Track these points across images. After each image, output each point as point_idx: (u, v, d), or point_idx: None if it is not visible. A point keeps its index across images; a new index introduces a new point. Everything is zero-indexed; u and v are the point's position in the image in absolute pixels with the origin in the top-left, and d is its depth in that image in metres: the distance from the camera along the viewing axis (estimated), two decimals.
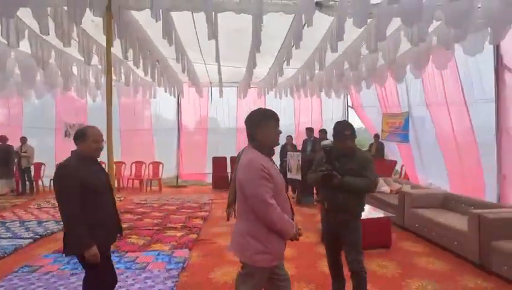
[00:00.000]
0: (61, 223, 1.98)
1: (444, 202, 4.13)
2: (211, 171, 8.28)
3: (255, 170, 1.65)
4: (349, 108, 8.94)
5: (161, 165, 8.12)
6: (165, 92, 7.07)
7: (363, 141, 8.95)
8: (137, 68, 4.84)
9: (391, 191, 5.02)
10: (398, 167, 7.51)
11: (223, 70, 6.01)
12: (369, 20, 3.64)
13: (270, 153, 1.82)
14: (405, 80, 5.79)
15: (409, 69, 5.04)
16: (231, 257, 3.46)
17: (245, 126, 1.84)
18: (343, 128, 2.29)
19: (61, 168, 1.86)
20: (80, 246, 1.79)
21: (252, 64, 4.69)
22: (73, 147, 1.97)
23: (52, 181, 1.95)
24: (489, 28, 3.42)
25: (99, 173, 1.99)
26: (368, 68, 5.06)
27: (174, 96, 8.19)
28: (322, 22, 3.65)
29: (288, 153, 6.38)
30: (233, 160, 8.41)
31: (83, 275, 1.96)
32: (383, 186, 5.15)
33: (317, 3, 3.19)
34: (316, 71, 5.16)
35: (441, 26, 3.66)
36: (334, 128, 2.37)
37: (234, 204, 2.23)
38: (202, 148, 8.99)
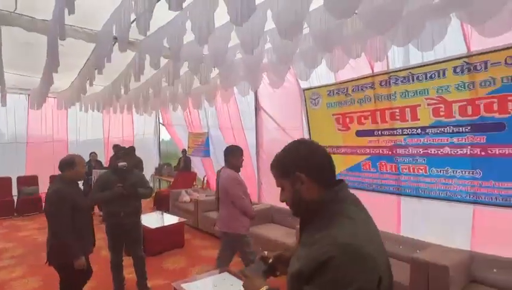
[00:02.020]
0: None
1: None
2: None
3: (234, 180, 3.03)
4: (160, 125, 9.58)
5: None
6: None
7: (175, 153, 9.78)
8: None
9: (191, 199, 5.97)
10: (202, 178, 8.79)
11: (7, 76, 5.15)
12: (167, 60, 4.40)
13: (238, 171, 3.18)
14: (204, 107, 7.07)
15: (205, 99, 6.26)
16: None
17: (224, 154, 3.23)
18: (133, 149, 3.33)
19: (55, 192, 2.24)
20: (72, 256, 2.22)
21: (49, 80, 4.41)
22: None
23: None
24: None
25: (81, 195, 2.47)
26: (170, 95, 5.85)
27: None
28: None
29: (93, 170, 6.20)
30: (21, 180, 7.11)
31: None
32: (185, 196, 6.04)
33: (116, 38, 3.57)
34: (122, 92, 5.43)
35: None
36: (125, 151, 3.18)
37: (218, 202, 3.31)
38: None
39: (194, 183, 8.14)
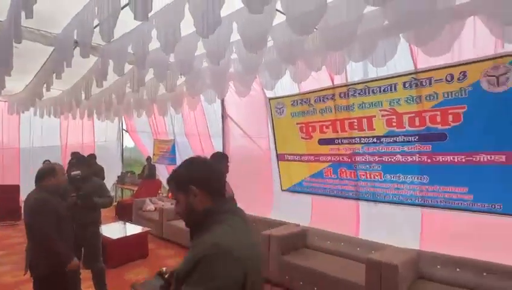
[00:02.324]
0: None
1: None
2: None
3: None
4: (124, 131, 9.25)
5: None
6: None
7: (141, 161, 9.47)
8: None
9: (155, 208, 5.83)
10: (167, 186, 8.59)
11: None
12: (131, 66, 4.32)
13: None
14: (170, 114, 6.99)
15: (171, 106, 6.19)
16: None
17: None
18: (92, 157, 3.26)
19: (37, 201, 2.20)
20: (63, 261, 2.22)
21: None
22: None
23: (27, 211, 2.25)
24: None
25: (62, 203, 2.41)
26: (135, 101, 5.72)
27: None
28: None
29: None
30: None
31: None
32: (149, 205, 5.88)
33: (77, 42, 3.46)
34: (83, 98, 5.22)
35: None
36: (78, 158, 3.08)
37: None
38: None
39: (159, 191, 7.95)
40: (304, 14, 2.16)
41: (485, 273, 2.57)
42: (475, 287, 2.53)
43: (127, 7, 2.26)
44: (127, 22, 2.83)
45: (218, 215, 1.10)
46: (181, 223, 4.80)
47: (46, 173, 2.35)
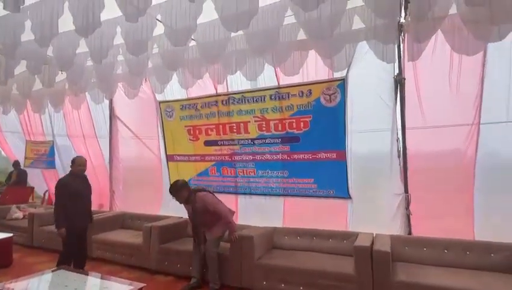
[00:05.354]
0: None
1: None
2: None
3: None
4: None
5: None
6: None
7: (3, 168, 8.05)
8: None
9: (24, 216, 5.19)
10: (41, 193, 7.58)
11: None
12: None
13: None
14: (48, 112, 6.33)
15: (49, 103, 5.65)
16: None
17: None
18: None
19: (60, 181, 3.55)
20: (57, 226, 3.39)
21: None
22: None
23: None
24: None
25: (81, 184, 3.59)
26: (1, 94, 5.06)
27: None
28: None
29: None
30: None
31: None
32: (16, 212, 5.21)
33: None
34: None
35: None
36: None
37: None
38: None
39: (31, 200, 7.01)
40: (179, 28, 2.57)
41: (314, 238, 3.45)
42: (309, 249, 3.37)
43: None
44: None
45: None
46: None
47: (71, 162, 3.60)
